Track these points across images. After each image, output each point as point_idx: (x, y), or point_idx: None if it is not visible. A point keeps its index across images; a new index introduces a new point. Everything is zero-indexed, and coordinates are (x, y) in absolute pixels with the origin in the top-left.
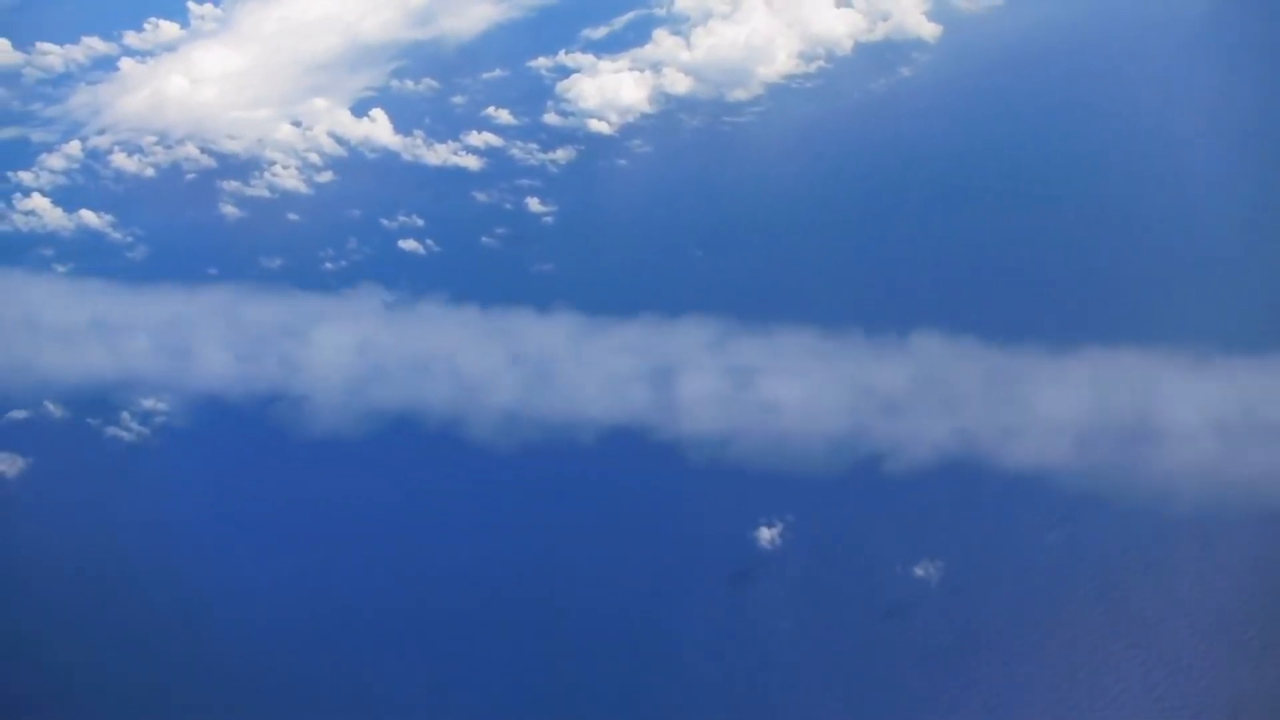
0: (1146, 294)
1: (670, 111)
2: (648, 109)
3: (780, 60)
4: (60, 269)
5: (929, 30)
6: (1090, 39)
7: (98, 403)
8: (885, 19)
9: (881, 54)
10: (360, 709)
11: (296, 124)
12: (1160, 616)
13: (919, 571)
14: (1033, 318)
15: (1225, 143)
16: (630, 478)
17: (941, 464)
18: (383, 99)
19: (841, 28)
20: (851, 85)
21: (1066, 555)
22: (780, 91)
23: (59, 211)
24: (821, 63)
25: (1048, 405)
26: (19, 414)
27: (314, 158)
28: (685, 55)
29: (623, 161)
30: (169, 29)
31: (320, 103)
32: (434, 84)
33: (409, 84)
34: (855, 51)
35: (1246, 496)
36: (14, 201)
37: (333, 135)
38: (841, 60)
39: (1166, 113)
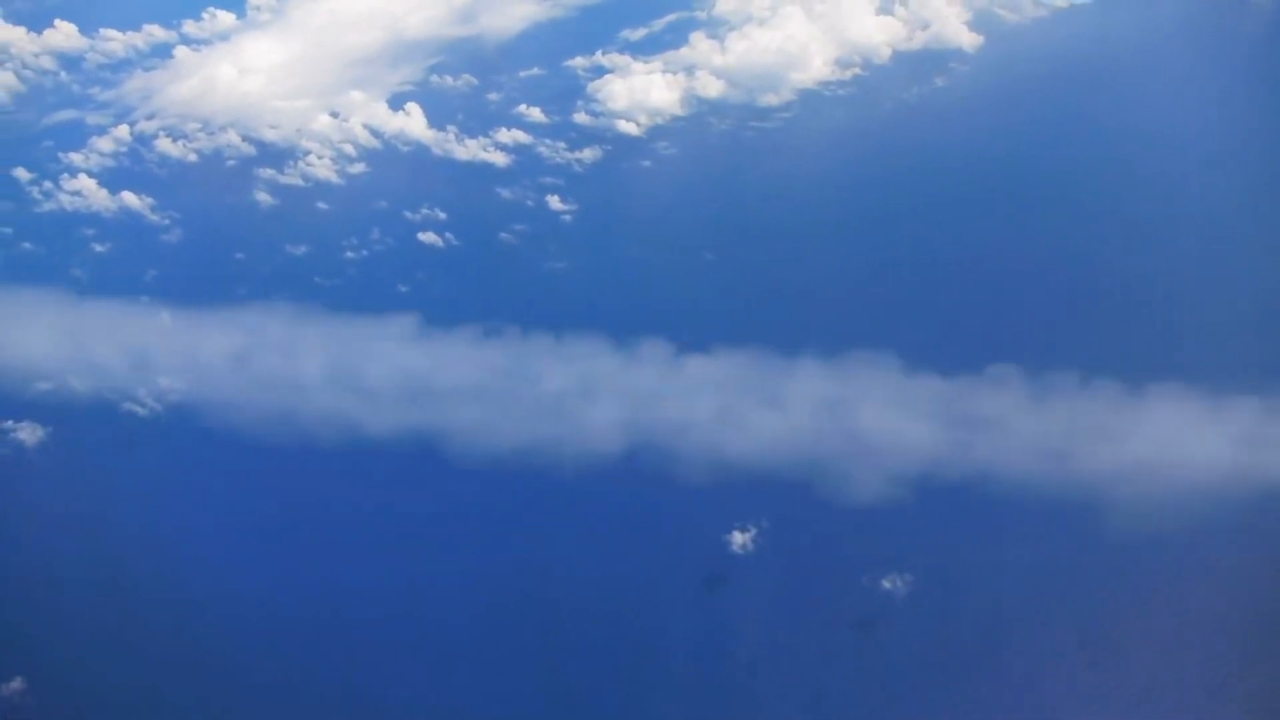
0: (1172, 311)
1: (700, 115)
2: (679, 111)
3: (815, 66)
4: (99, 248)
5: (969, 40)
6: (1137, 56)
7: (117, 379)
8: (925, 27)
9: (919, 63)
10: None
11: (334, 115)
12: (1130, 642)
13: (886, 584)
14: (1054, 334)
15: (1271, 163)
16: (609, 476)
17: (926, 478)
18: (420, 93)
19: (880, 35)
20: (884, 94)
21: (1040, 576)
22: (812, 98)
23: (104, 193)
24: (857, 70)
25: (1057, 422)
26: (44, 385)
27: (348, 149)
28: (719, 59)
29: (647, 163)
30: (225, 19)
31: (358, 95)
32: (471, 80)
33: (447, 79)
34: (893, 60)
35: (1224, 521)
36: (62, 182)
37: (368, 127)
38: (878, 68)
39: (1209, 132)
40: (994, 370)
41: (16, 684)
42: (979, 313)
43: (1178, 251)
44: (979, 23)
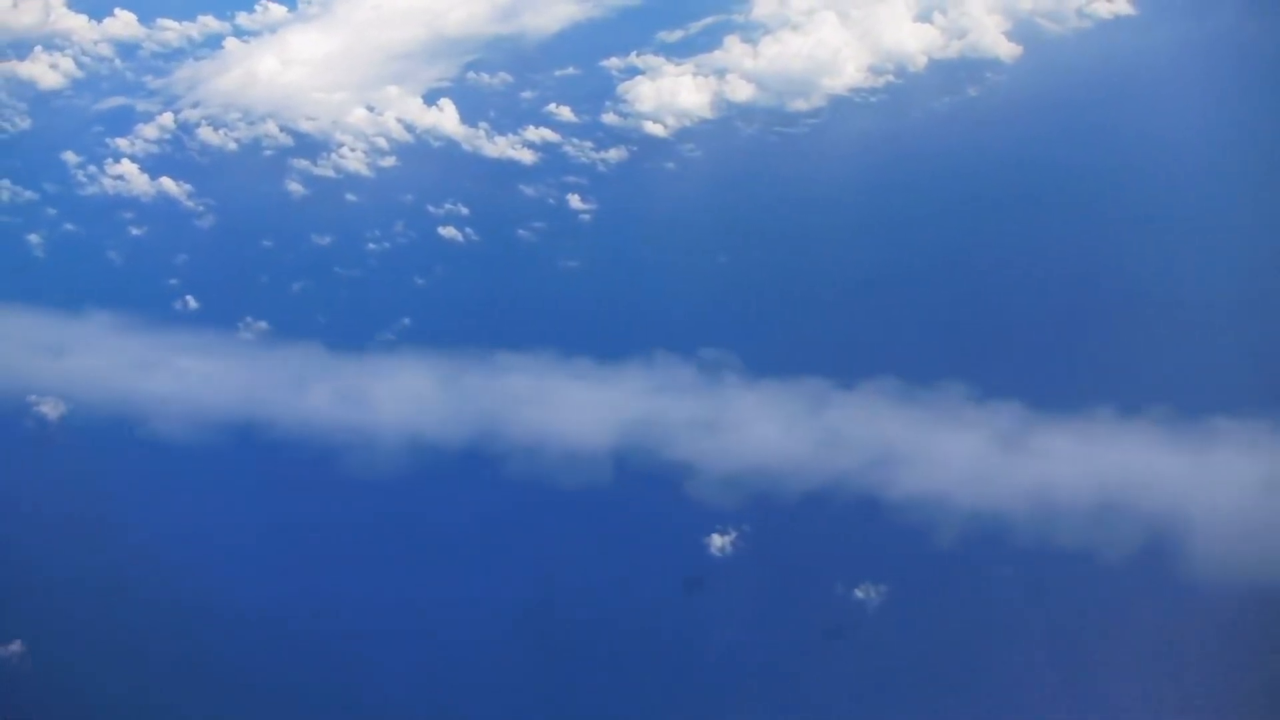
0: (1210, 322)
1: (728, 118)
2: (707, 114)
3: (848, 73)
4: (135, 232)
5: (1007, 50)
6: (1180, 69)
7: (136, 360)
8: (962, 36)
9: (955, 72)
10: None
11: (370, 109)
12: (1106, 662)
13: (859, 593)
14: (1072, 356)
15: None
16: (595, 476)
17: (916, 487)
18: (455, 90)
19: (916, 43)
20: (914, 102)
21: (1017, 592)
22: (842, 104)
23: (144, 178)
24: (890, 77)
25: (1060, 431)
26: (67, 363)
27: (381, 142)
28: (750, 62)
29: (670, 165)
30: (277, 11)
31: (394, 90)
32: (507, 78)
33: (484, 77)
34: (928, 68)
35: (1215, 556)
36: (106, 166)
37: (402, 122)
38: (912, 76)
39: (1253, 149)
40: (1017, 380)
41: (15, 647)
42: (997, 325)
43: (1216, 267)
44: (1019, 33)
